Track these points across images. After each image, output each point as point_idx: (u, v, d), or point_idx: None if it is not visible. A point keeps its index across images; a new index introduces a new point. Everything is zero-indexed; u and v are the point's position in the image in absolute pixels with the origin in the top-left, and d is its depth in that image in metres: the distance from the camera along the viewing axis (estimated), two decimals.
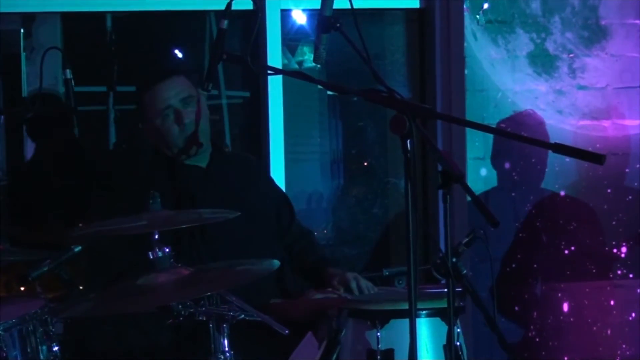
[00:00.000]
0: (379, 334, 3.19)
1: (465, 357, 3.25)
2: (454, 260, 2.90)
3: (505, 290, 4.94)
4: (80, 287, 3.32)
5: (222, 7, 3.01)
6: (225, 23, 3.01)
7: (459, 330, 3.20)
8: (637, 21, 5.08)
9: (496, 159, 4.99)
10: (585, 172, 5.02)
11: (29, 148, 5.11)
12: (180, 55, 5.86)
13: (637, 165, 5.08)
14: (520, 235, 5.00)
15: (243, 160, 4.07)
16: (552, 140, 2.71)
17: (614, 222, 5.06)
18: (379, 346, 3.18)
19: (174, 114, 3.81)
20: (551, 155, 5.00)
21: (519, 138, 3.19)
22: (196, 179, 3.83)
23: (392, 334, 3.20)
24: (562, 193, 5.03)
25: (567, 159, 4.80)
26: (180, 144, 3.81)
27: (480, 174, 4.98)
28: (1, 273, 4.42)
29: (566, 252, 5.01)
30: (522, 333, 4.99)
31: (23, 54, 5.10)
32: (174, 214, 3.08)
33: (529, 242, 5.01)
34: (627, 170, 5.08)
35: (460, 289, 3.14)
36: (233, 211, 3.17)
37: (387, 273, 3.79)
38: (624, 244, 5.04)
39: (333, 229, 5.58)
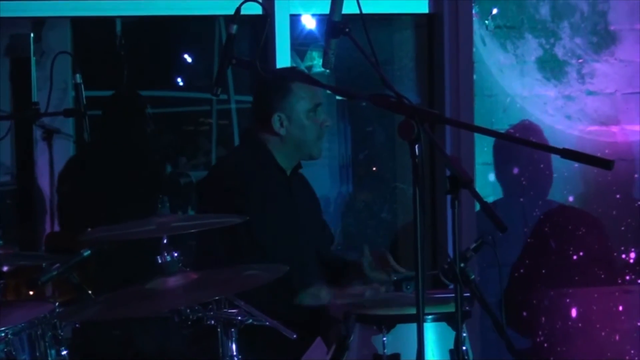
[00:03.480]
0: (385, 338, 3.19)
1: None
2: (462, 265, 2.89)
3: (512, 296, 4.93)
4: (90, 292, 3.32)
5: (232, 12, 3.02)
6: (234, 28, 3.01)
7: (465, 335, 3.20)
8: None
9: (501, 170, 4.99)
10: (594, 178, 5.02)
11: (41, 150, 5.12)
12: (189, 59, 5.87)
13: None
14: (529, 241, 5.00)
15: (304, 178, 4.08)
16: (560, 146, 2.70)
17: (622, 228, 5.05)
18: (385, 351, 3.18)
19: (323, 115, 3.83)
20: (560, 161, 4.98)
21: (527, 143, 3.19)
22: (281, 184, 3.85)
23: (399, 339, 3.20)
24: (571, 199, 5.02)
25: (576, 164, 4.80)
26: (311, 144, 3.82)
27: (489, 179, 4.98)
28: (11, 277, 4.43)
29: (575, 257, 5.01)
30: (530, 339, 4.98)
31: (33, 58, 5.12)
32: (182, 218, 3.09)
33: (536, 248, 5.00)
34: (636, 175, 5.08)
35: (468, 294, 3.14)
36: (240, 216, 3.18)
37: (395, 278, 3.81)
38: (632, 249, 5.03)
39: (341, 233, 5.59)
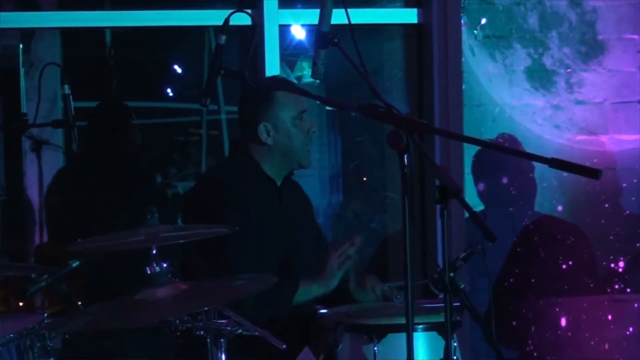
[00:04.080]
0: (375, 348, 3.19)
1: None
2: (452, 274, 2.89)
3: (501, 305, 4.93)
4: (80, 303, 3.31)
5: (221, 23, 3.02)
6: (223, 38, 3.02)
7: (456, 344, 3.20)
8: (635, 36, 5.10)
9: (482, 181, 4.99)
10: (583, 187, 5.03)
11: (30, 161, 5.11)
12: (179, 70, 5.87)
13: (635, 180, 5.10)
14: (517, 250, 5.00)
15: (297, 185, 4.06)
16: (549, 155, 2.71)
17: (611, 237, 5.06)
18: None
19: (309, 121, 3.82)
20: (549, 171, 4.98)
21: (516, 153, 3.20)
22: (270, 195, 3.84)
23: (389, 349, 3.20)
24: (560, 208, 5.03)
25: (565, 174, 4.80)
26: (299, 151, 3.80)
27: (478, 189, 4.99)
28: (0, 288, 4.42)
29: (564, 267, 5.02)
30: (519, 348, 4.98)
31: (22, 70, 5.11)
32: (172, 228, 3.08)
33: (524, 257, 5.00)
34: (624, 185, 5.10)
35: (458, 304, 3.14)
36: (230, 226, 3.18)
37: (386, 287, 3.81)
38: (621, 258, 5.03)
39: (331, 244, 5.58)
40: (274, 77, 4.22)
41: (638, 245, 5.09)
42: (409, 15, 5.08)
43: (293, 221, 3.87)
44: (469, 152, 4.92)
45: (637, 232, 5.08)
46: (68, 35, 5.44)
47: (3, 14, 4.61)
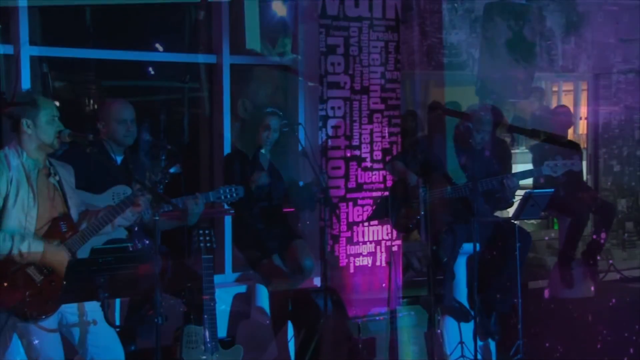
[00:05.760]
0: (360, 322, 3.20)
1: (446, 344, 3.28)
2: (434, 248, 2.91)
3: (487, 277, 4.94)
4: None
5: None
6: (202, 14, 3.01)
7: (439, 318, 3.22)
8: (614, 7, 5.10)
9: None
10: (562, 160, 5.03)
11: (9, 141, 5.07)
12: (160, 48, 5.84)
13: (616, 151, 5.11)
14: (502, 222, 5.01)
15: (268, 160, 4.17)
16: (529, 127, 2.72)
17: (592, 209, 5.07)
18: (360, 335, 3.20)
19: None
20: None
21: (495, 126, 3.19)
22: (242, 168, 3.91)
23: (374, 323, 3.22)
24: (541, 180, 5.03)
25: (546, 146, 4.81)
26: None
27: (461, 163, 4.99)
28: None
29: (546, 238, 5.02)
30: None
31: (1, 47, 5.07)
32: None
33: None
34: (606, 156, 5.10)
35: (441, 277, 3.16)
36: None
37: None
38: (603, 231, 5.04)
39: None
40: None
41: (615, 219, 5.12)
42: None
43: (264, 193, 3.94)
44: (451, 126, 4.92)
45: (614, 205, 5.10)
46: (48, 14, 5.40)
47: None
